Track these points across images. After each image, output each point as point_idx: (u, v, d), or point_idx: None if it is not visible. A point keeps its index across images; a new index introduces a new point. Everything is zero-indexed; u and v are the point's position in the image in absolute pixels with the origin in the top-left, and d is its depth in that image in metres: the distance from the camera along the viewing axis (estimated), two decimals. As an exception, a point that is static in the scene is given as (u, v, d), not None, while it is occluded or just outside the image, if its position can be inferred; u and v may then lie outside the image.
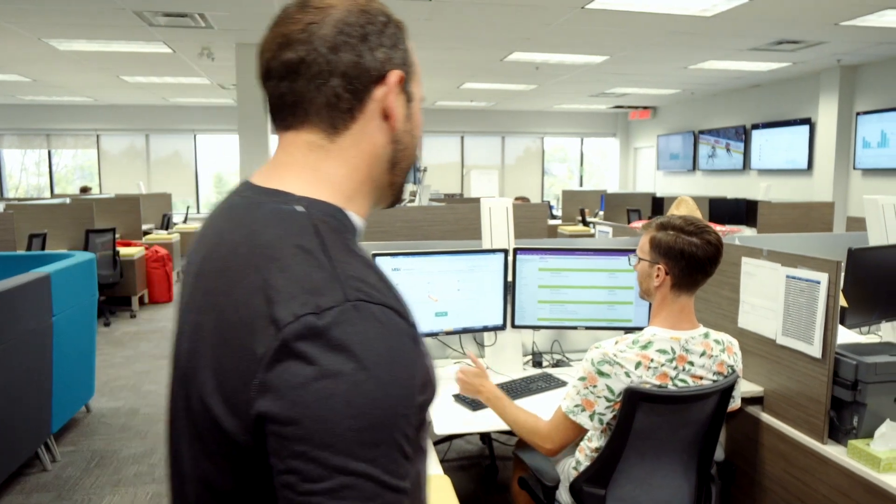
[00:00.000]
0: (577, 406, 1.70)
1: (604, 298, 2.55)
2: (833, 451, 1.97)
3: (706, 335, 1.75)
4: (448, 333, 2.55)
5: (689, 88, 9.80)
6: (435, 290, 2.49)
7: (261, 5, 5.07)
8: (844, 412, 1.98)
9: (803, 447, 2.07)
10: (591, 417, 1.70)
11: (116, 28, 5.77)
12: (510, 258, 2.56)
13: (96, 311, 4.04)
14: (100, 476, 3.26)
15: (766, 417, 2.25)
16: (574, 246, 2.68)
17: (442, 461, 3.34)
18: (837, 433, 2.00)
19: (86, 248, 6.16)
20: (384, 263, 2.40)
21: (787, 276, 2.13)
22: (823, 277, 1.99)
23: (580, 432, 1.74)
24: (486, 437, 3.42)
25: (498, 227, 2.68)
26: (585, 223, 8.23)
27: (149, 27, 5.70)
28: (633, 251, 1.85)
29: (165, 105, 11.94)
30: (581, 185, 13.87)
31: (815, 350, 2.03)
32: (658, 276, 1.74)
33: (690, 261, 1.69)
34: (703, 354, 1.71)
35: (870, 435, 1.89)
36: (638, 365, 1.65)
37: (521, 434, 1.83)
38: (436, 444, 3.30)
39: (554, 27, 5.70)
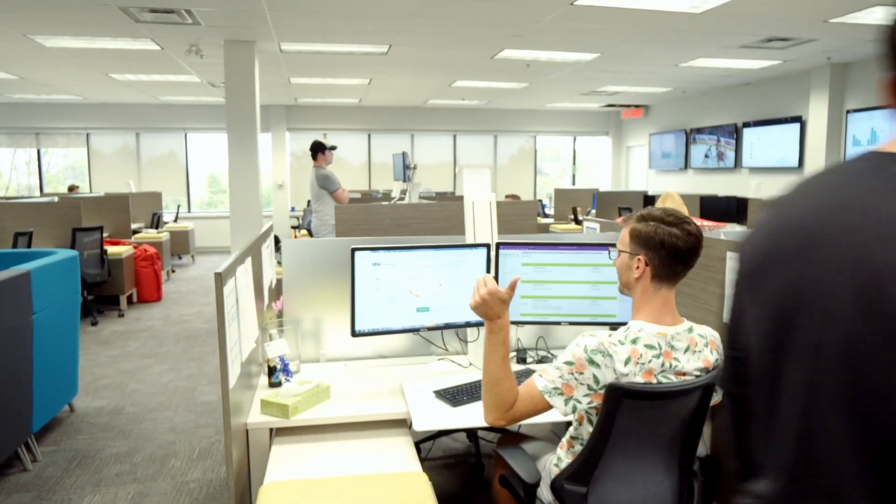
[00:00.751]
0: (555, 388, 1.65)
1: (587, 293, 2.52)
2: (817, 447, 1.94)
3: (690, 330, 1.73)
4: (430, 329, 2.52)
5: (680, 87, 9.79)
6: (416, 285, 2.45)
7: (248, 2, 5.02)
8: (828, 407, 1.95)
9: (787, 443, 2.05)
10: (566, 402, 1.65)
11: (102, 24, 5.72)
12: (493, 253, 2.53)
13: (79, 308, 3.99)
14: (80, 476, 3.22)
15: (750, 413, 2.23)
16: (556, 240, 2.65)
17: (427, 459, 3.32)
18: (821, 428, 1.98)
19: (72, 247, 6.11)
20: (364, 258, 2.36)
21: (772, 270, 2.11)
22: (807, 271, 1.97)
23: (542, 412, 1.69)
24: (472, 434, 3.39)
25: (481, 222, 2.65)
26: (578, 222, 8.21)
27: (135, 23, 5.65)
28: (614, 245, 1.83)
29: (156, 103, 11.87)
30: (573, 183, 13.86)
31: (799, 344, 2.00)
32: (638, 267, 1.71)
33: (671, 251, 1.67)
34: (687, 350, 1.69)
35: (854, 430, 1.87)
36: (628, 361, 1.62)
37: (485, 387, 1.71)
38: (420, 441, 3.28)
39: (543, 24, 5.68)
